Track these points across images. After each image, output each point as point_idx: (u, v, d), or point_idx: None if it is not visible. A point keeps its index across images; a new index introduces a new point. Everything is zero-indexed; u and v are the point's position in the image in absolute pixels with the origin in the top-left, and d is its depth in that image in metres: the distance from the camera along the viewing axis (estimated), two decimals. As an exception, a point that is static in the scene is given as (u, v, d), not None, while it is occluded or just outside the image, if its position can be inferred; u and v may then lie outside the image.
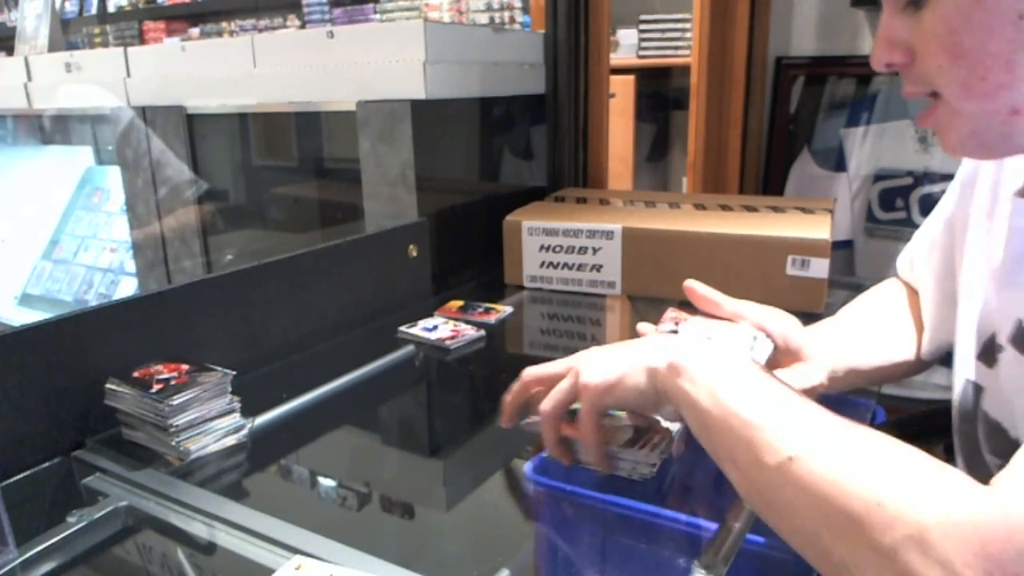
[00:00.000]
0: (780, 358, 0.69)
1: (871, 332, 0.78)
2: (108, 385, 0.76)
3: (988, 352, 0.61)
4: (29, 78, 1.91)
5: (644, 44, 2.82)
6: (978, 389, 0.62)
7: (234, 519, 0.63)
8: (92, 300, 1.90)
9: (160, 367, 0.78)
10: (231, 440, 0.76)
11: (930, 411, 0.95)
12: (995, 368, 0.60)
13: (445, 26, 1.41)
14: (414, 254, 1.22)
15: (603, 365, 0.60)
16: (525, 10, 3.05)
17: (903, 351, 0.77)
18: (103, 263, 1.94)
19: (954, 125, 0.52)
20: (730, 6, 1.87)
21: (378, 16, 3.38)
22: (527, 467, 0.72)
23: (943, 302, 0.73)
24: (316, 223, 1.57)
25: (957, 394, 0.66)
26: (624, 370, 0.58)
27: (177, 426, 0.72)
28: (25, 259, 2.05)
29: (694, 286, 0.72)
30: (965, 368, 0.64)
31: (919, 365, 0.78)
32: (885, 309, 0.81)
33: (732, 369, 0.53)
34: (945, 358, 0.76)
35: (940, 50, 0.49)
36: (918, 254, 0.80)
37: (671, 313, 0.74)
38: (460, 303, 1.19)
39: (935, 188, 1.72)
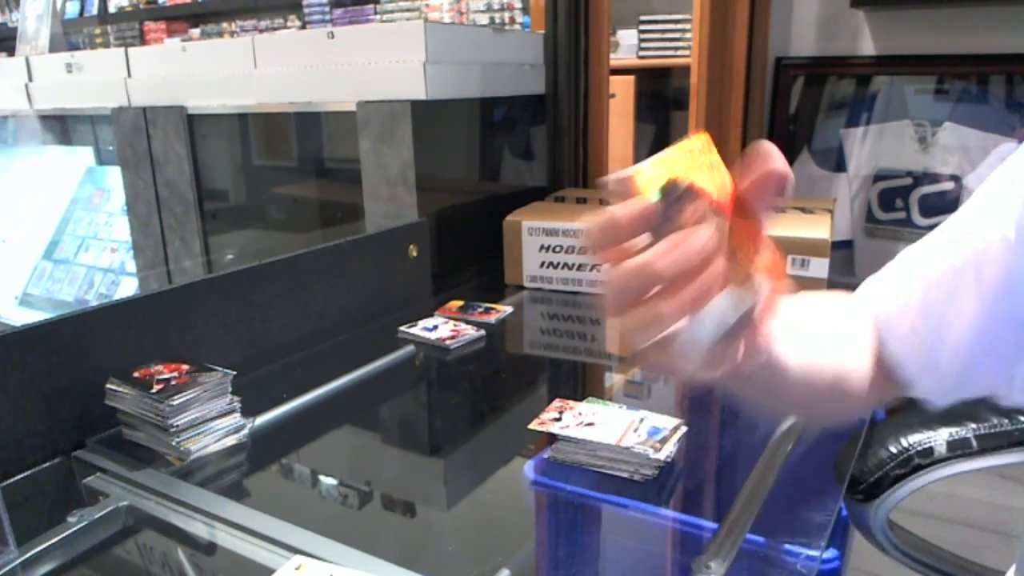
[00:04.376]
0: None
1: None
2: (108, 385, 0.76)
3: None
4: (30, 78, 1.92)
5: (644, 44, 2.82)
6: None
7: (234, 519, 0.63)
8: (93, 300, 1.90)
9: (160, 367, 0.78)
10: (231, 440, 0.76)
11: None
12: None
13: (445, 26, 1.41)
14: (414, 254, 1.22)
15: None
16: (525, 10, 3.04)
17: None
18: (104, 263, 1.94)
19: None
20: (730, 6, 1.87)
21: (378, 17, 3.38)
22: (527, 467, 0.73)
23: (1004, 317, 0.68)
24: (316, 223, 1.57)
25: None
26: None
27: (177, 426, 0.72)
28: (26, 259, 2.05)
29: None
30: None
31: None
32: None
33: None
34: None
35: None
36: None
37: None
38: (460, 303, 1.19)
39: (935, 188, 1.72)
